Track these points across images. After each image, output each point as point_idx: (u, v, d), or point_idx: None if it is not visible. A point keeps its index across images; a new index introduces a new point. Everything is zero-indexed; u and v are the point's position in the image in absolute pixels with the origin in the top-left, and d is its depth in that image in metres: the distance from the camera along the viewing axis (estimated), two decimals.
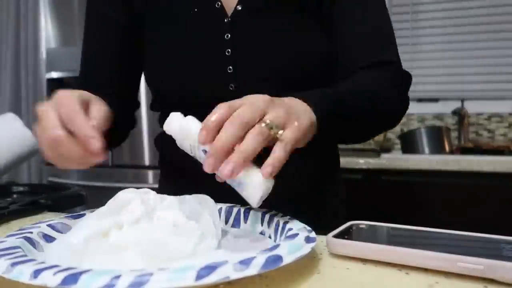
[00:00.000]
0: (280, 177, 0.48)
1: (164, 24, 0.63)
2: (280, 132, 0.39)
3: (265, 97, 0.41)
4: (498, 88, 2.01)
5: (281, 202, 0.50)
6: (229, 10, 0.59)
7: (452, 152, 1.85)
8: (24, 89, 2.27)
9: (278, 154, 0.38)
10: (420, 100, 2.14)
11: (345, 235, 0.40)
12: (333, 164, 0.73)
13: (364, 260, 0.37)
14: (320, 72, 0.61)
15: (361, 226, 0.44)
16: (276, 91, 0.56)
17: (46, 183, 2.10)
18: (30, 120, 2.22)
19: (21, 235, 0.39)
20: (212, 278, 0.27)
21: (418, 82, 2.13)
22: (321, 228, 0.54)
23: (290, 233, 0.37)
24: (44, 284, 0.27)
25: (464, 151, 1.84)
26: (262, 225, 0.46)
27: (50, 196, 0.68)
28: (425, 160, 1.62)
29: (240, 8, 0.59)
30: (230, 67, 0.59)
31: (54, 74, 2.14)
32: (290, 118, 0.40)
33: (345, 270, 0.35)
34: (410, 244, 0.36)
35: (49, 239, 0.41)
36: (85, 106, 0.44)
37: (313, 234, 0.38)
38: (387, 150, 2.02)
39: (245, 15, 0.59)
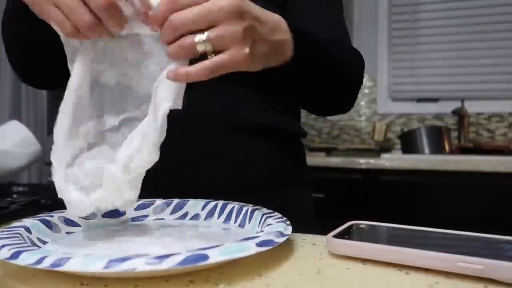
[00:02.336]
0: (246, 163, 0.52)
1: None
2: (212, 55, 0.37)
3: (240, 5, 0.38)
4: (498, 88, 2.01)
5: (242, 191, 0.55)
6: None
7: (452, 152, 1.85)
8: (24, 89, 2.27)
9: (195, 67, 0.37)
10: (420, 100, 2.14)
11: (345, 235, 0.40)
12: (301, 164, 0.73)
13: (364, 260, 0.37)
14: None
15: (361, 226, 0.44)
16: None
17: (46, 183, 2.10)
18: (31, 120, 2.22)
19: (39, 218, 0.44)
20: (119, 268, 0.29)
21: (418, 82, 2.14)
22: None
23: (257, 234, 0.37)
24: None
25: (464, 151, 1.84)
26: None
27: (50, 196, 0.68)
28: (425, 160, 1.62)
29: None
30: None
31: None
32: (241, 42, 0.38)
33: (345, 270, 0.35)
34: (410, 244, 0.36)
35: (70, 222, 0.46)
36: None
37: (278, 239, 0.36)
38: (387, 150, 2.02)
39: None
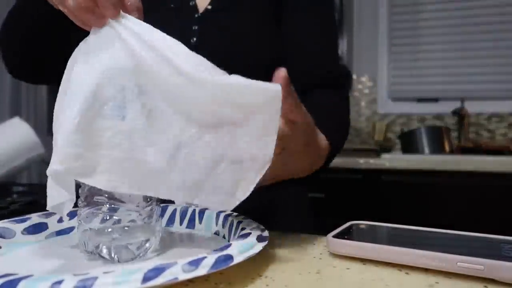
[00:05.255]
0: None
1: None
2: None
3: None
4: (498, 88, 2.01)
5: None
6: (201, 9, 0.67)
7: (452, 152, 1.85)
8: (24, 89, 2.27)
9: None
10: (420, 100, 2.14)
11: (345, 235, 0.40)
12: None
13: (364, 260, 0.37)
14: (269, 66, 0.64)
15: (361, 226, 0.44)
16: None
17: (46, 183, 2.10)
18: (31, 120, 2.22)
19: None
20: (160, 280, 0.27)
21: (418, 82, 2.14)
22: (272, 224, 0.56)
23: (242, 232, 0.38)
24: None
25: (464, 151, 1.84)
26: (216, 225, 0.46)
27: None
28: (425, 160, 1.62)
29: (210, 8, 0.67)
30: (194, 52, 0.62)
31: None
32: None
33: (345, 270, 0.35)
34: (410, 244, 0.36)
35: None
36: None
37: (266, 233, 0.38)
38: (387, 150, 2.02)
39: (213, 12, 0.66)
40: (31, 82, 0.74)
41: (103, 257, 0.36)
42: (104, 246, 0.36)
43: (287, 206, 0.70)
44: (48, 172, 0.34)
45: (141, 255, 0.37)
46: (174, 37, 0.61)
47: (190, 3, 0.67)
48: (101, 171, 0.34)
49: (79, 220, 0.37)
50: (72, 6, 0.36)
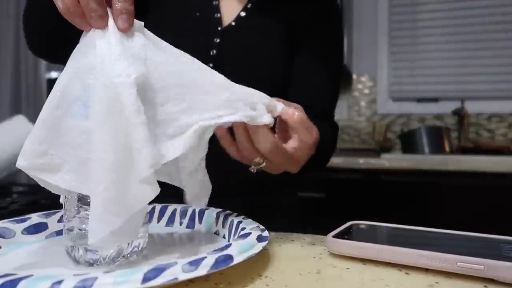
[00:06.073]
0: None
1: (165, 18, 0.70)
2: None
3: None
4: (498, 88, 2.01)
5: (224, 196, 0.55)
6: (224, 23, 0.70)
7: (452, 152, 1.85)
8: (24, 89, 2.28)
9: None
10: (420, 100, 2.14)
11: (345, 235, 0.40)
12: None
13: (364, 260, 0.37)
14: (279, 82, 0.72)
15: (361, 226, 0.44)
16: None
17: None
18: (31, 120, 2.22)
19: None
20: (159, 280, 0.27)
21: (418, 82, 2.14)
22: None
23: (242, 232, 0.38)
24: None
25: (464, 151, 1.84)
26: (216, 225, 0.46)
27: (50, 196, 0.69)
28: (425, 160, 1.62)
29: (234, 24, 0.70)
30: (211, 64, 0.68)
31: (54, 74, 2.14)
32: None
33: (345, 270, 0.35)
34: (410, 244, 0.36)
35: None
36: None
37: (265, 233, 0.38)
38: (387, 150, 2.02)
39: (236, 28, 0.70)
40: (53, 62, 0.74)
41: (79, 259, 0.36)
42: (80, 248, 0.36)
43: (279, 209, 0.72)
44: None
45: (128, 257, 0.37)
46: (194, 46, 0.64)
47: (215, 15, 0.69)
48: (68, 170, 0.34)
49: (65, 221, 0.37)
50: (61, 9, 0.36)
